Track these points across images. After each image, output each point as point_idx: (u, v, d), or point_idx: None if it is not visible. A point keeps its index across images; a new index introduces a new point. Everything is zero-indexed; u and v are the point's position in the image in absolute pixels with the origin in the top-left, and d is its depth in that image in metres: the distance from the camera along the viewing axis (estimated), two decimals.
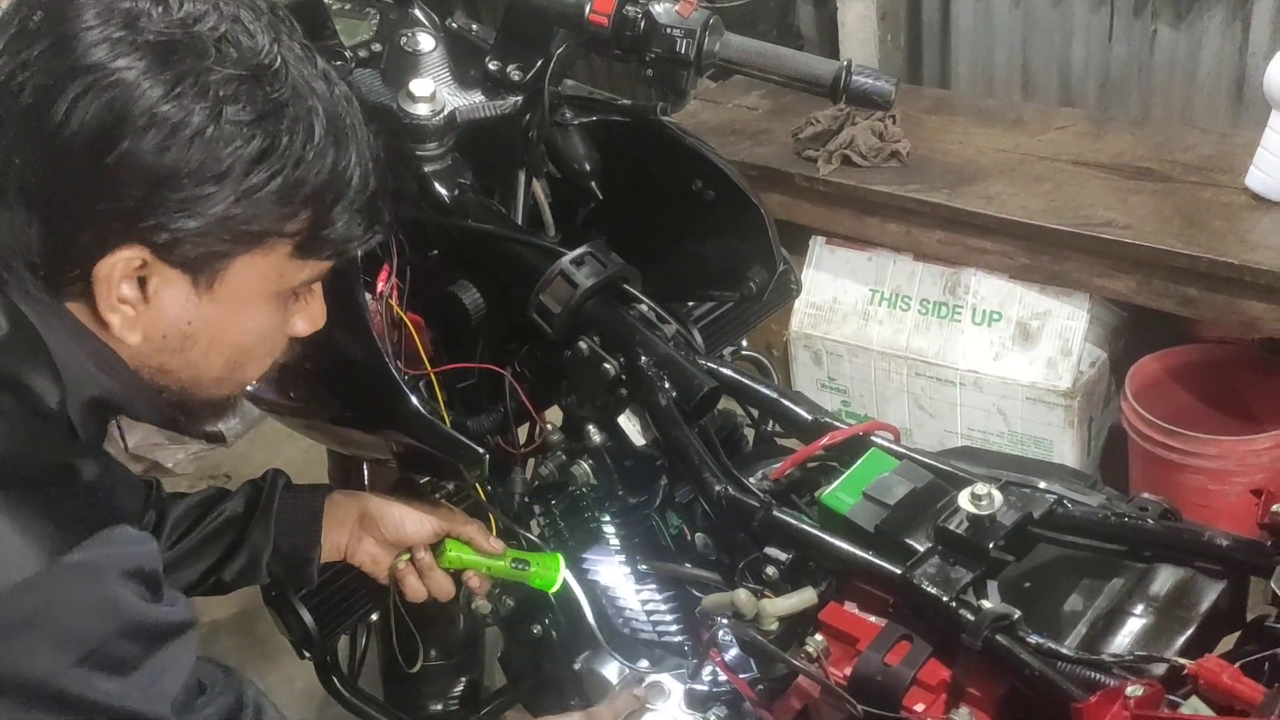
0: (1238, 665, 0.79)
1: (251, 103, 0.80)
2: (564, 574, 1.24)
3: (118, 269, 0.81)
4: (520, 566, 1.24)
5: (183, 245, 0.81)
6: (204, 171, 0.79)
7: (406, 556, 1.23)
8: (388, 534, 1.22)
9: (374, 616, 1.34)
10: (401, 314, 1.23)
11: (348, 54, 1.25)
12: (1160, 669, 0.83)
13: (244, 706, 0.87)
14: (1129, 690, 0.77)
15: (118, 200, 0.78)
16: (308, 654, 1.27)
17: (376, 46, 1.28)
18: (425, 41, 1.25)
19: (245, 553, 1.18)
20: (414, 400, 1.16)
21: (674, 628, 1.25)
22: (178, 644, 0.81)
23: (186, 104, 0.78)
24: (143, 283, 0.82)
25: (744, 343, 1.47)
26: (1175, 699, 0.80)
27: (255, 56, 0.81)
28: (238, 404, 0.98)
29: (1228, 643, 0.93)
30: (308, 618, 1.23)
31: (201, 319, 0.86)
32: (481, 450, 1.17)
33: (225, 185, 0.80)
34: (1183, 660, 0.81)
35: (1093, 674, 0.83)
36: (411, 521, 1.22)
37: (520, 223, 1.29)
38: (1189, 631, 0.89)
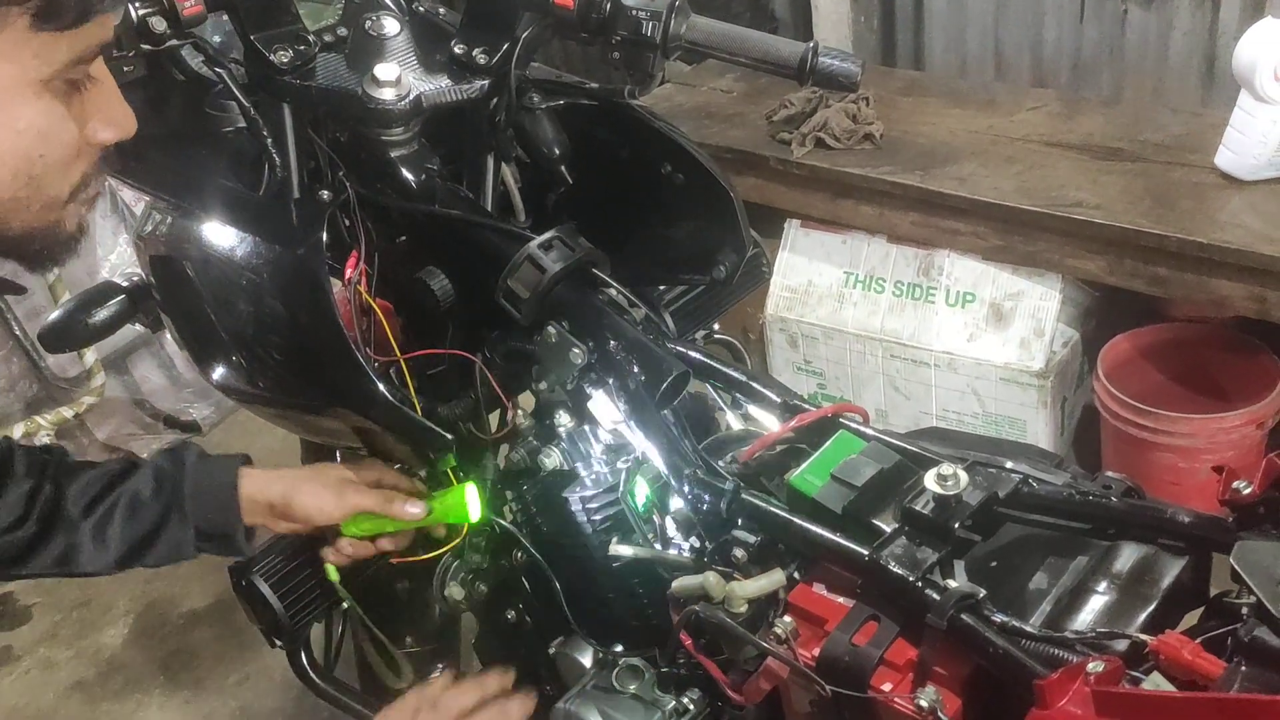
0: (1199, 641, 0.80)
1: None
2: (473, 501, 1.24)
3: None
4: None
5: None
6: None
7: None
8: (299, 520, 1.22)
9: (345, 604, 1.33)
10: (370, 300, 1.22)
11: (311, 38, 1.23)
12: (1122, 645, 0.84)
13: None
14: (1090, 667, 0.78)
15: None
16: (279, 642, 1.26)
17: (341, 31, 1.27)
18: (390, 25, 1.24)
19: (165, 540, 1.17)
20: (382, 387, 1.15)
21: (646, 611, 1.25)
22: None
23: None
24: None
25: (716, 326, 1.48)
26: (1137, 675, 0.81)
27: None
28: (75, 239, 0.89)
29: (1192, 619, 0.94)
30: (278, 606, 1.22)
31: None
32: (450, 436, 1.17)
33: None
34: (1144, 636, 0.82)
35: (1056, 651, 0.84)
36: (320, 511, 1.22)
37: (489, 208, 1.28)
38: (1151, 608, 0.90)
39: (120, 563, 1.18)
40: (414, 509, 1.24)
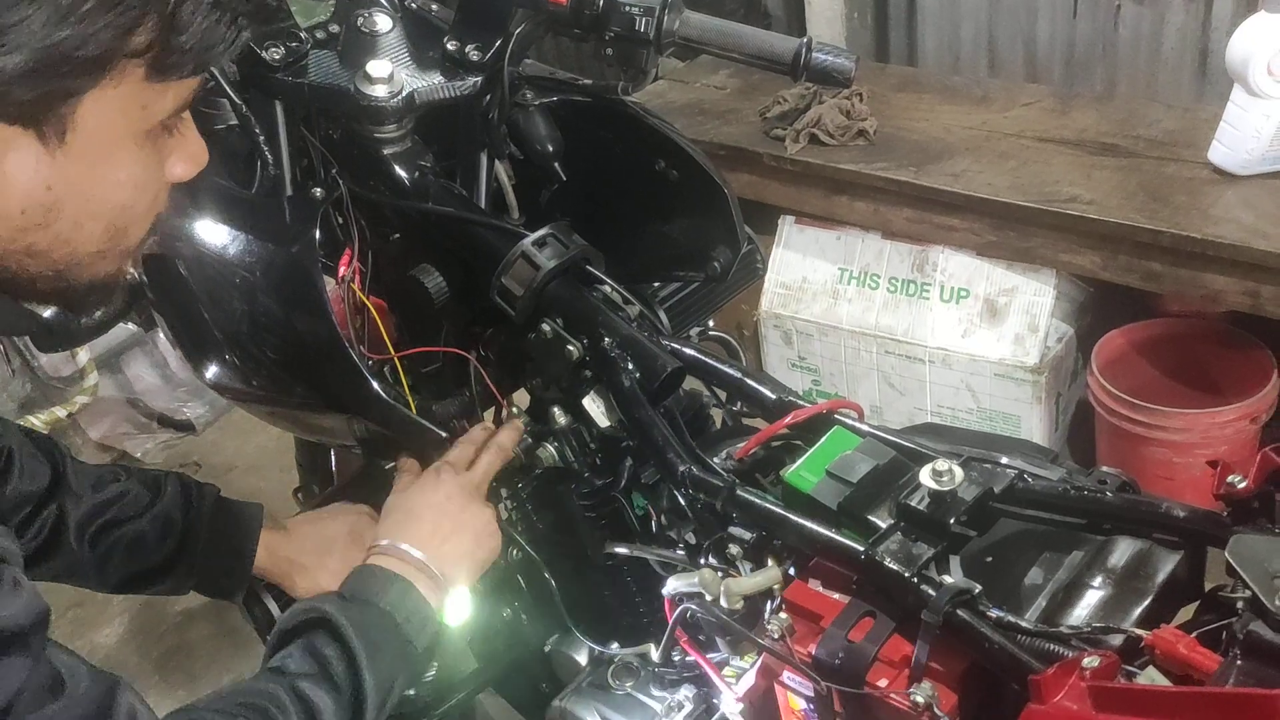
0: (1194, 635, 0.80)
1: None
2: (462, 605, 1.15)
3: None
4: None
5: (12, 91, 0.66)
6: None
7: None
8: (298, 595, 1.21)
9: None
10: (364, 298, 1.22)
11: (303, 35, 1.23)
12: (1118, 640, 0.84)
13: (113, 710, 0.75)
14: (1085, 662, 0.78)
15: None
16: None
17: (334, 28, 1.27)
18: (383, 22, 1.24)
19: (167, 584, 1.16)
20: (375, 385, 1.15)
21: (641, 609, 1.25)
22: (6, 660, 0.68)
23: None
24: None
25: (711, 323, 1.47)
26: (1132, 669, 0.81)
27: None
28: (125, 285, 0.87)
29: (1187, 613, 0.94)
30: (274, 607, 1.22)
31: (62, 180, 0.72)
32: (444, 434, 1.17)
33: (40, 5, 0.65)
34: (1140, 631, 0.82)
35: (1051, 646, 0.84)
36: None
37: (483, 205, 1.28)
38: (1146, 602, 0.90)
39: (117, 590, 1.18)
40: None
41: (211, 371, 1.29)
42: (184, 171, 0.83)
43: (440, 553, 1.06)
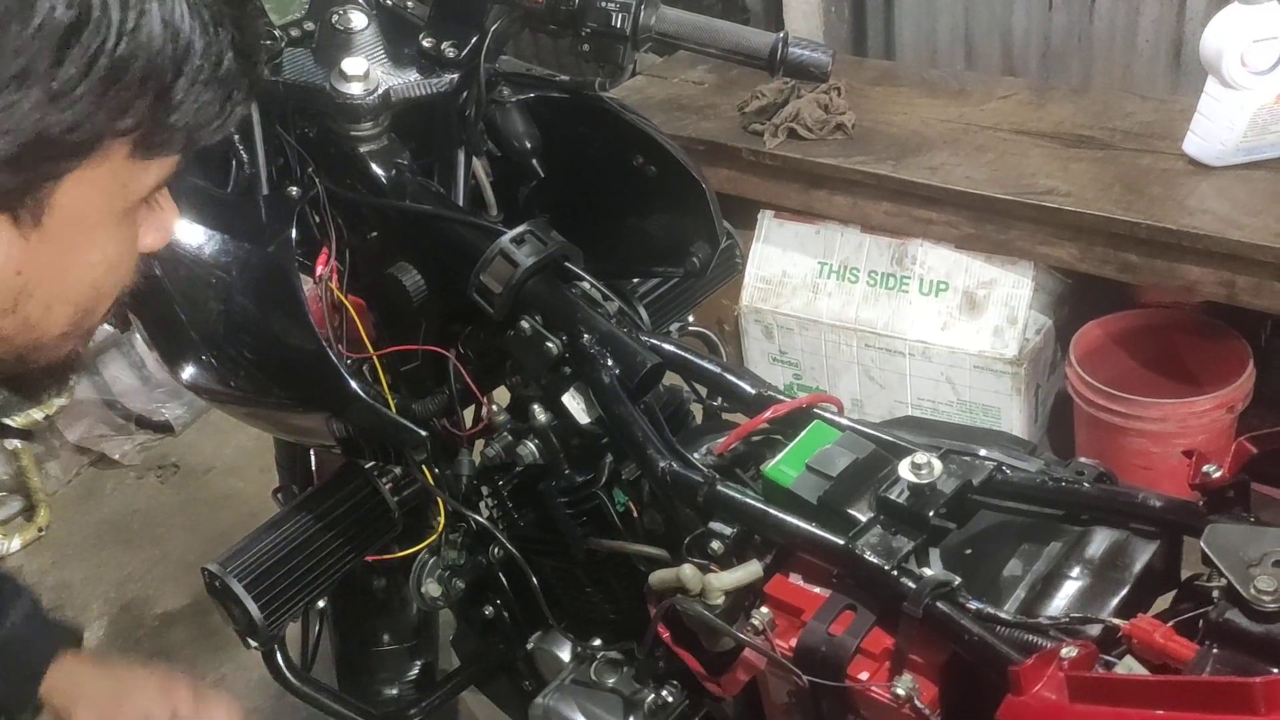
0: (1171, 624, 0.81)
1: None
2: None
3: None
4: None
5: None
6: None
7: None
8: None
9: (321, 603, 1.33)
10: (342, 297, 1.22)
11: (278, 33, 1.22)
12: (1095, 630, 0.84)
13: None
14: (1064, 652, 0.78)
15: None
16: (254, 643, 1.25)
17: (308, 25, 1.26)
18: (358, 19, 1.23)
19: None
20: (353, 384, 1.14)
21: (623, 605, 1.25)
22: None
23: None
24: None
25: (690, 318, 1.47)
26: (1110, 659, 0.81)
27: None
28: (81, 363, 0.82)
29: (1164, 603, 0.95)
30: (252, 607, 1.21)
31: (34, 264, 0.67)
32: (424, 433, 1.16)
33: (30, 87, 0.60)
34: (1117, 621, 0.82)
35: (1030, 637, 0.84)
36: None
37: (461, 202, 1.27)
38: (1123, 592, 0.91)
39: None
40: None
41: (188, 373, 1.28)
42: (154, 242, 0.78)
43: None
